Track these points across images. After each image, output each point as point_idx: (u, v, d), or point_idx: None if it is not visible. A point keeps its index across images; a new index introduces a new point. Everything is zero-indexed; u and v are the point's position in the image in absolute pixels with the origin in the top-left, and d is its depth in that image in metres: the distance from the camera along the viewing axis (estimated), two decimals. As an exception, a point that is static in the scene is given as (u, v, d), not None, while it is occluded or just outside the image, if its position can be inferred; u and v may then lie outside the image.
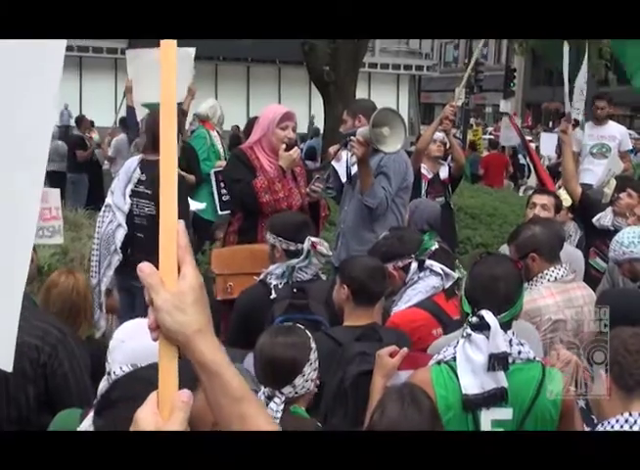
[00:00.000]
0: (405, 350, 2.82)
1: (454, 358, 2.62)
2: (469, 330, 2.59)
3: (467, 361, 2.56)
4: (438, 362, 2.66)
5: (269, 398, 2.58)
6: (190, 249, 1.25)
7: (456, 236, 6.83)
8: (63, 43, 1.53)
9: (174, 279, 1.21)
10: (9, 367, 1.59)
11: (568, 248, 4.50)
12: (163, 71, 1.20)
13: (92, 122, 13.93)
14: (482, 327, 2.57)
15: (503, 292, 2.68)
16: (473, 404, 2.53)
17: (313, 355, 2.71)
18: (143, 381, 1.56)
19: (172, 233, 1.23)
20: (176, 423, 1.16)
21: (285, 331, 2.82)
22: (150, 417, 1.17)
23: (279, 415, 2.52)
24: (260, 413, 1.27)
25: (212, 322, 1.23)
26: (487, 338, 2.55)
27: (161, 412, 1.18)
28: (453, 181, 6.64)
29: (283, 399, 2.59)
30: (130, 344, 2.18)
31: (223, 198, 6.97)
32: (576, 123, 7.17)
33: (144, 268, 1.21)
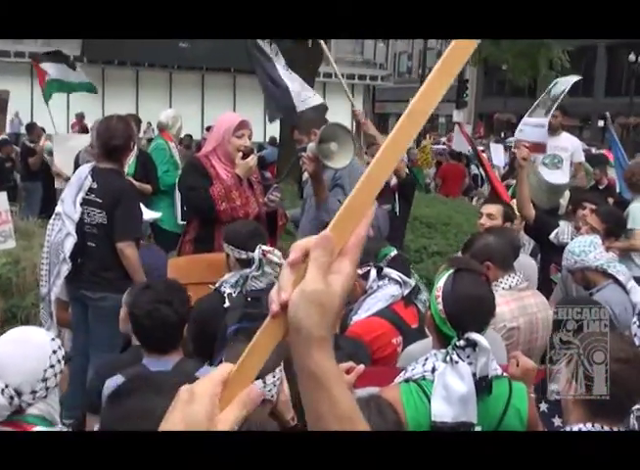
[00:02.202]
0: (361, 367, 2.75)
1: (423, 377, 2.57)
2: (455, 356, 2.51)
3: (444, 388, 2.49)
4: (407, 380, 2.61)
5: None
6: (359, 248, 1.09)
7: (402, 243, 6.90)
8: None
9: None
10: None
11: (522, 257, 4.54)
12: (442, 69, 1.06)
13: (43, 129, 13.71)
14: (468, 350, 2.51)
15: (487, 311, 2.66)
16: (439, 430, 2.49)
17: (279, 371, 2.67)
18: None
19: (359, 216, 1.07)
20: (231, 417, 1.05)
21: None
22: (208, 397, 1.05)
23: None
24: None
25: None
26: (472, 363, 2.49)
27: (224, 395, 1.05)
28: (402, 189, 6.72)
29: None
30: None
31: (185, 208, 6.96)
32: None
33: (327, 241, 1.08)
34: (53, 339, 2.35)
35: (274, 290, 1.08)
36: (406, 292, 3.71)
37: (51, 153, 10.36)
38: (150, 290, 3.10)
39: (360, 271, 3.68)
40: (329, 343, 1.08)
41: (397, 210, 6.65)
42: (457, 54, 1.04)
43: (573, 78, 7.23)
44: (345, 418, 1.09)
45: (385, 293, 3.68)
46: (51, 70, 10.32)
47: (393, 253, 3.88)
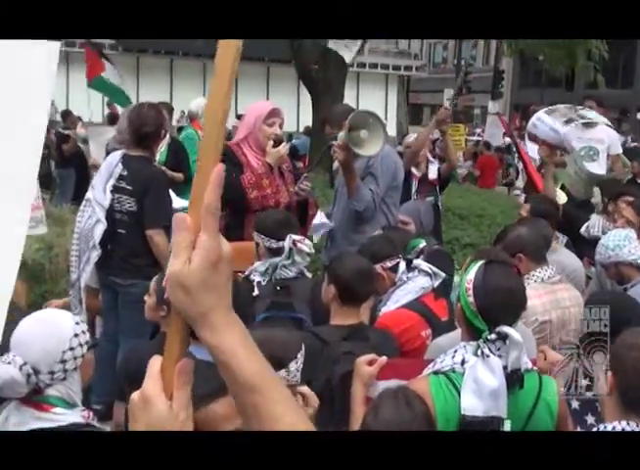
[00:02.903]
0: (384, 359, 2.73)
1: (453, 369, 2.54)
2: (486, 350, 2.47)
3: (475, 382, 2.45)
4: (435, 372, 2.58)
5: None
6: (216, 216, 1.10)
7: (441, 237, 6.84)
8: (57, 45, 1.62)
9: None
10: None
11: (567, 255, 4.49)
12: (217, 71, 1.14)
13: (80, 118, 13.83)
14: (499, 343, 2.48)
15: (518, 304, 2.62)
16: (468, 425, 2.46)
17: (300, 356, 2.66)
18: None
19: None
20: (183, 400, 1.11)
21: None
22: (160, 394, 1.11)
23: None
24: (279, 403, 1.14)
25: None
26: (502, 356, 2.46)
27: (165, 385, 1.11)
28: (442, 182, 6.63)
29: None
30: None
31: None
32: None
33: (180, 221, 1.09)
34: (77, 323, 2.36)
35: None
36: (437, 283, 3.67)
37: (85, 141, 10.43)
38: None
39: (389, 263, 3.65)
40: (213, 316, 1.10)
41: (440, 202, 6.61)
42: (224, 53, 1.13)
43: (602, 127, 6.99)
44: (248, 387, 1.11)
45: (414, 285, 3.65)
46: (108, 69, 10.38)
47: (422, 244, 3.84)
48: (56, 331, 2.29)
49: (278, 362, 2.59)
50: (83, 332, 2.35)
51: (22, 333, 2.27)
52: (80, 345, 2.31)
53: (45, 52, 1.62)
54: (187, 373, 1.12)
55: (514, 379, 2.47)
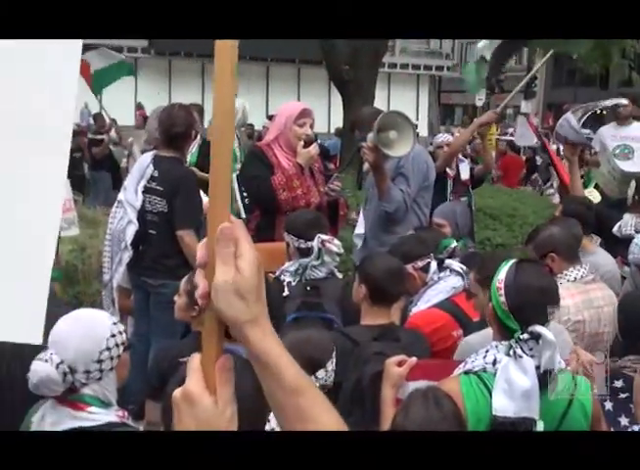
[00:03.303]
0: (414, 359, 2.72)
1: (484, 369, 2.52)
2: (519, 350, 2.45)
3: (506, 382, 2.43)
4: (466, 372, 2.56)
5: None
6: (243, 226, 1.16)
7: (474, 238, 6.80)
8: (79, 44, 1.67)
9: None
10: (39, 340, 1.68)
11: (605, 257, 4.44)
12: (217, 72, 1.15)
13: (114, 120, 13.95)
14: (532, 343, 2.45)
15: (551, 302, 2.59)
16: (500, 425, 2.44)
17: (334, 356, 2.66)
18: None
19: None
20: (227, 396, 1.12)
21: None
22: (204, 392, 1.12)
23: None
24: (318, 405, 1.17)
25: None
26: (534, 356, 2.44)
27: (207, 382, 1.12)
28: (475, 183, 6.60)
29: (317, 383, 2.51)
30: None
31: (245, 200, 6.98)
32: None
33: (227, 231, 1.12)
34: (115, 323, 2.37)
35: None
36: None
37: (116, 143, 10.50)
38: None
39: (420, 263, 3.64)
40: (262, 321, 1.13)
41: (473, 203, 6.57)
42: (222, 54, 1.13)
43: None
44: (292, 389, 1.14)
45: (445, 285, 3.64)
46: (93, 60, 9.96)
47: (454, 244, 3.82)
48: (93, 331, 2.30)
49: (317, 363, 2.59)
50: (120, 332, 2.35)
51: (59, 331, 2.28)
52: (117, 345, 2.32)
53: (66, 50, 1.65)
54: (228, 370, 1.14)
55: (547, 379, 2.44)
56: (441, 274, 3.66)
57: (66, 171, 1.70)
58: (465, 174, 6.48)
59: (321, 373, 2.54)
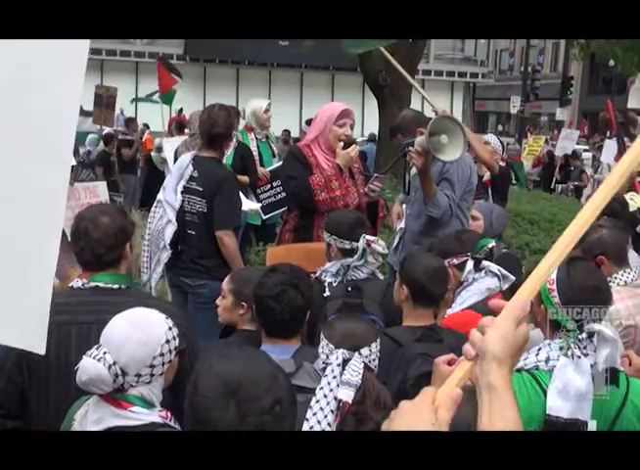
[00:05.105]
0: (462, 358, 2.66)
1: (537, 367, 2.47)
2: (577, 351, 2.40)
3: (563, 383, 2.38)
4: (518, 370, 2.49)
5: (346, 361, 2.48)
6: None
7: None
8: (85, 43, 1.64)
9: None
10: (42, 350, 1.71)
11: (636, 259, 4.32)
12: None
13: (147, 125, 14.05)
14: (586, 342, 2.40)
15: (605, 301, 2.53)
16: (552, 426, 2.38)
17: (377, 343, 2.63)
18: None
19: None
20: (446, 416, 1.33)
21: None
22: (429, 406, 1.35)
23: (360, 373, 2.45)
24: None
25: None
26: (588, 354, 2.39)
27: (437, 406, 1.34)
28: (495, 183, 6.69)
29: (361, 360, 2.49)
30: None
31: (264, 202, 6.99)
32: None
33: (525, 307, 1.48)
34: (170, 328, 2.33)
35: (467, 345, 1.52)
36: (505, 286, 3.58)
37: (159, 149, 10.57)
38: (278, 273, 3.04)
39: (456, 261, 3.59)
40: (508, 366, 1.41)
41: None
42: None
43: None
44: (512, 424, 1.34)
45: (480, 286, 3.58)
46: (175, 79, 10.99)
47: (491, 244, 3.75)
48: (149, 336, 2.26)
49: (364, 339, 2.57)
50: (174, 337, 2.31)
51: (115, 333, 2.25)
52: (170, 351, 2.29)
53: (73, 49, 1.62)
54: (456, 401, 1.36)
55: (607, 378, 2.38)
56: (476, 275, 3.62)
57: (68, 176, 1.70)
58: (486, 176, 6.60)
59: (365, 351, 2.50)
